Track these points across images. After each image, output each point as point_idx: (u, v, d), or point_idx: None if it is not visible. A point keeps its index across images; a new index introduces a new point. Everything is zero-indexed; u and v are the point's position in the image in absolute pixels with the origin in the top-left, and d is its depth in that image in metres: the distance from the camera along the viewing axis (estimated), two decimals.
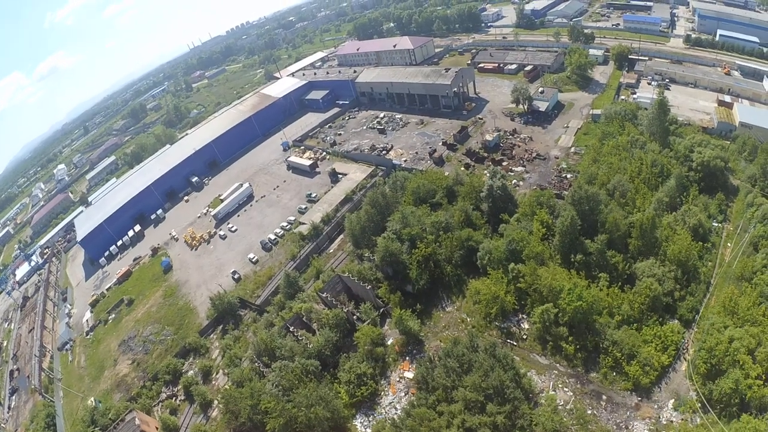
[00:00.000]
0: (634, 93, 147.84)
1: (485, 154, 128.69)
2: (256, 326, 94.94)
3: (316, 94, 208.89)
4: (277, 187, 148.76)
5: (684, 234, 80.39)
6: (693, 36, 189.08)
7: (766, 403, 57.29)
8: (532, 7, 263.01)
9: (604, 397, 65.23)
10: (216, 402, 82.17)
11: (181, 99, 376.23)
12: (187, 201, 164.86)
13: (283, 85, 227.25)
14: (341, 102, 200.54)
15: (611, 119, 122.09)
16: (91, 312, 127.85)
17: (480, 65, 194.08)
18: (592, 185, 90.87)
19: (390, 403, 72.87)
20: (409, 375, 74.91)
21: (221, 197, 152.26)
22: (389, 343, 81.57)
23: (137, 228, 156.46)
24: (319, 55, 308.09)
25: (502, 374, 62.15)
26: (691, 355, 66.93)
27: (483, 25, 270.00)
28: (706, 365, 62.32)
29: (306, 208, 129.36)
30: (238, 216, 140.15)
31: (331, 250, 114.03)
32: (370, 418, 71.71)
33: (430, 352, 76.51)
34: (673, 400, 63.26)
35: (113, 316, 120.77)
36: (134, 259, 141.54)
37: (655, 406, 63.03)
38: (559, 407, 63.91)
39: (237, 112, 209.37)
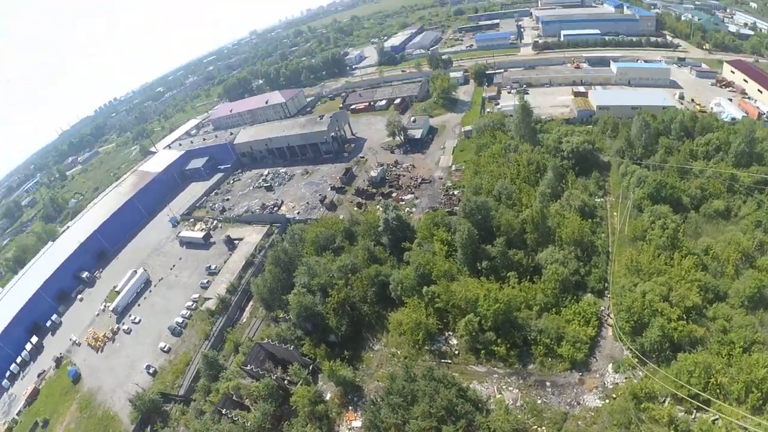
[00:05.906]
0: (498, 104, 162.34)
1: (374, 190, 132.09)
2: (186, 418, 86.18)
3: (197, 163, 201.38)
4: (174, 266, 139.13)
5: (573, 216, 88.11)
6: (540, 42, 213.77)
7: (695, 337, 64.17)
8: (390, 44, 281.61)
9: (547, 383, 68.00)
10: None
11: (56, 190, 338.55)
12: (81, 300, 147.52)
13: (160, 159, 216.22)
14: (223, 166, 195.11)
15: (482, 132, 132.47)
16: None
17: (352, 107, 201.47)
18: (479, 195, 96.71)
19: None
20: (357, 424, 72.52)
21: (117, 289, 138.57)
22: (328, 398, 78.52)
23: (34, 340, 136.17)
24: (193, 122, 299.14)
25: (447, 393, 62.49)
26: (614, 319, 72.73)
27: (348, 68, 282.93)
28: (629, 324, 68.10)
29: (208, 282, 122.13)
30: (139, 305, 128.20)
31: (244, 320, 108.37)
32: None
33: (370, 395, 74.90)
34: (611, 364, 67.91)
35: None
36: (38, 375, 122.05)
37: (597, 375, 67.20)
38: (510, 407, 65.50)
39: (117, 195, 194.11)
